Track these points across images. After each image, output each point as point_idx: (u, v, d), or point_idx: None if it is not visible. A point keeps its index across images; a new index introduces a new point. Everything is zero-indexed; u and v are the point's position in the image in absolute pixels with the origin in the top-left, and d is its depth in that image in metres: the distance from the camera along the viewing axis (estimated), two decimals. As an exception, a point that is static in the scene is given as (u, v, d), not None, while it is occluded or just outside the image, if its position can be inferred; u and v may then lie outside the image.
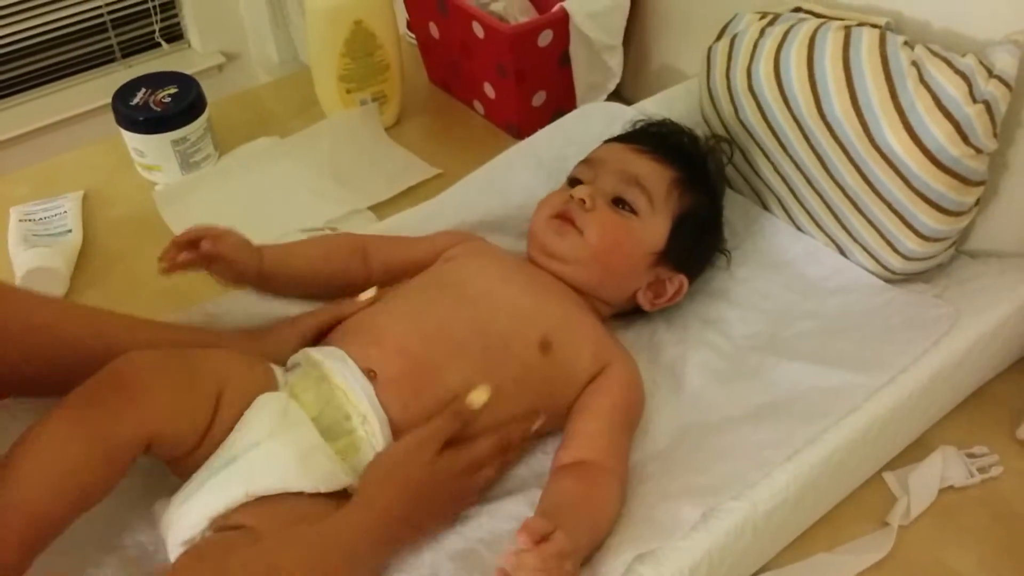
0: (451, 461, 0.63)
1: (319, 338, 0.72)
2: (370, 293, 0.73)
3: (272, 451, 0.60)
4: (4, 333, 0.60)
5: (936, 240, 0.77)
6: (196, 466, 0.60)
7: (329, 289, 0.76)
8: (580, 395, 0.70)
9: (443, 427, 0.63)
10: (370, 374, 0.65)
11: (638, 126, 0.85)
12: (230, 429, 0.61)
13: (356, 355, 0.66)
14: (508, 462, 0.68)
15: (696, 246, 0.79)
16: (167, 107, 1.00)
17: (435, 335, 0.68)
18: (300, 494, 0.59)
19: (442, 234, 0.81)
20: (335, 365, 0.65)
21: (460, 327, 0.68)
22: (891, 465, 0.74)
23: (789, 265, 0.83)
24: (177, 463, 0.61)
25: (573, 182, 0.79)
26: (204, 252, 0.69)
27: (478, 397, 0.65)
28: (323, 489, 0.60)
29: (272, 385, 0.65)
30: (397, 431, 0.64)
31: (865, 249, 0.80)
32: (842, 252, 0.83)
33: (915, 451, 0.75)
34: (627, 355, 0.74)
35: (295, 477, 0.59)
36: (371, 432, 0.63)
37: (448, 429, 0.63)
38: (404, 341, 0.67)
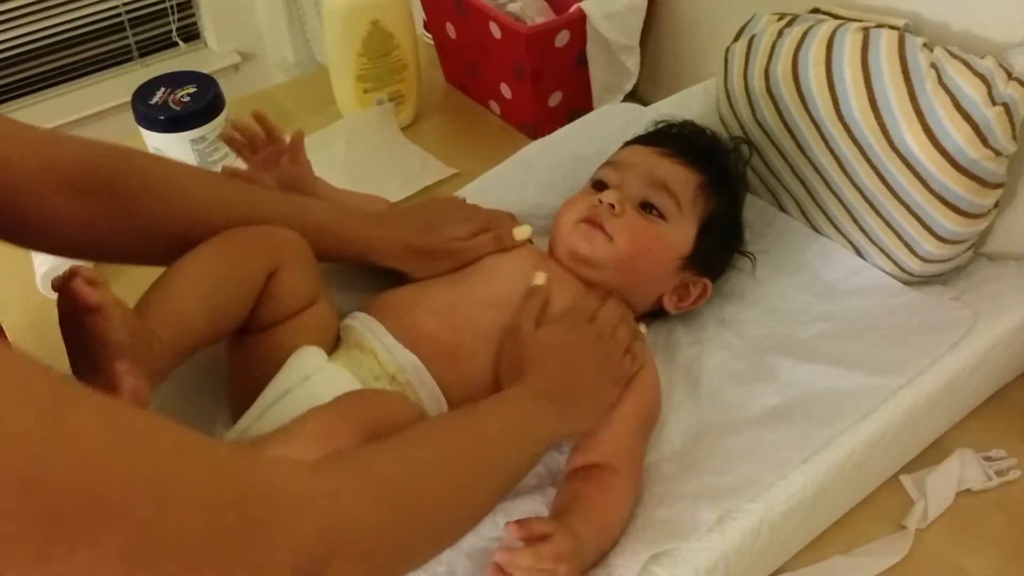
0: (556, 324, 0.68)
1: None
2: (527, 232, 0.77)
3: (326, 377, 0.62)
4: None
5: (954, 242, 0.76)
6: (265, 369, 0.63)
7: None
8: None
9: (527, 307, 0.69)
10: (410, 342, 0.67)
11: (660, 127, 0.84)
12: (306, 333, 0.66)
13: (392, 329, 0.68)
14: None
15: (720, 250, 0.79)
16: (186, 106, 1.01)
17: (464, 327, 0.70)
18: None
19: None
20: (369, 335, 0.68)
21: (486, 323, 0.70)
22: (908, 468, 0.74)
23: (806, 266, 0.83)
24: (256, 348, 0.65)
25: (599, 185, 0.78)
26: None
27: (539, 278, 0.72)
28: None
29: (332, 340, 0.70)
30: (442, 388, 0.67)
31: (883, 251, 0.80)
32: (859, 253, 0.83)
33: (932, 454, 0.75)
34: (652, 356, 0.74)
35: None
36: (402, 386, 0.66)
37: (532, 307, 0.69)
38: (436, 330, 0.69)
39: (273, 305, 0.65)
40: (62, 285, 0.54)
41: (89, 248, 0.66)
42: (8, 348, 0.31)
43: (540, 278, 0.72)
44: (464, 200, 0.82)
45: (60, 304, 0.54)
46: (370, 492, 0.46)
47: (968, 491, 0.72)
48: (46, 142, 0.61)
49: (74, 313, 0.53)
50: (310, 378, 0.62)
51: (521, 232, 0.76)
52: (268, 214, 0.69)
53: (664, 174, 0.76)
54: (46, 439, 0.29)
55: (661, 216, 0.75)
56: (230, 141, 0.80)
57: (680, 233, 0.76)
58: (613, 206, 0.74)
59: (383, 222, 0.75)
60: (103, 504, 0.30)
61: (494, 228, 0.76)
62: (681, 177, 0.76)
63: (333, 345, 0.70)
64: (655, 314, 0.79)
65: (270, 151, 0.80)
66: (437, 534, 0.52)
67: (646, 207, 0.76)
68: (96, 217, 0.63)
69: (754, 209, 0.88)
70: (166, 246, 0.65)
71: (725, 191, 0.79)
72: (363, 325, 0.69)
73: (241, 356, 0.67)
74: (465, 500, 0.53)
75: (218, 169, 1.04)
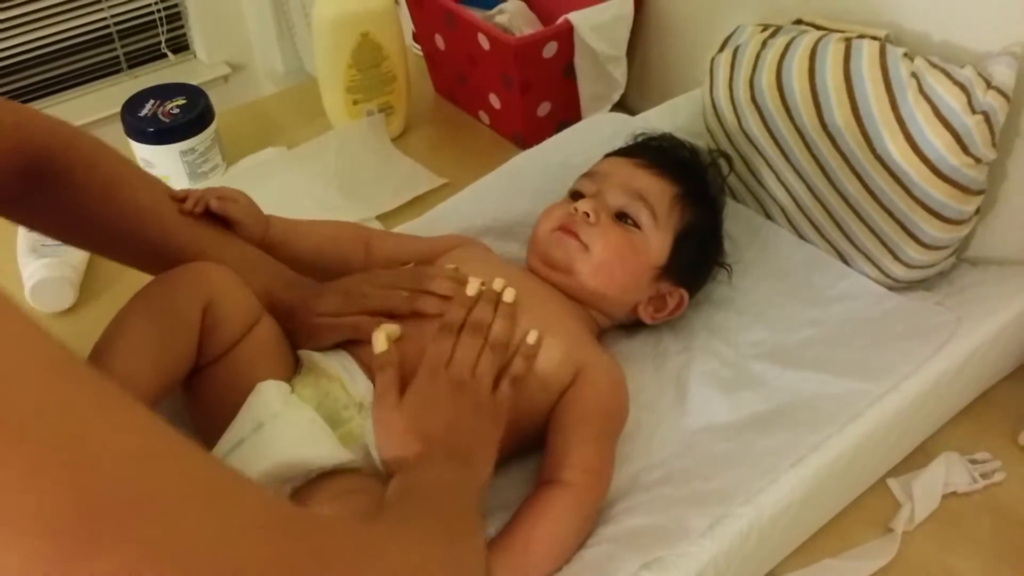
0: (416, 382, 0.62)
1: None
2: (394, 335, 0.67)
3: (281, 423, 0.60)
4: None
5: (937, 248, 0.78)
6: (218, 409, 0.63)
7: (327, 274, 0.76)
8: (556, 406, 0.69)
9: (379, 389, 0.63)
10: (371, 367, 0.65)
11: (639, 139, 0.85)
12: (248, 372, 0.64)
13: (356, 353, 0.67)
14: (493, 342, 0.66)
15: (697, 261, 0.79)
16: (175, 118, 1.01)
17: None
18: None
19: (444, 236, 0.82)
20: (333, 361, 0.66)
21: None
22: (895, 471, 0.75)
23: (792, 273, 0.84)
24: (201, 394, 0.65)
25: (575, 195, 0.79)
26: (212, 209, 0.72)
27: (378, 344, 0.64)
28: (339, 459, 0.61)
29: (286, 361, 0.68)
30: None
31: (867, 257, 0.81)
32: (845, 260, 0.84)
33: (918, 457, 0.76)
34: (604, 361, 0.72)
35: (310, 447, 0.60)
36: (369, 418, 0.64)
37: (384, 386, 0.63)
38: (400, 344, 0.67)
39: (219, 335, 0.64)
40: None
41: (29, 222, 0.69)
42: (63, 348, 0.31)
43: (380, 343, 0.64)
44: (404, 270, 0.75)
45: None
46: (417, 554, 0.45)
47: (954, 494, 0.73)
48: (17, 127, 0.64)
49: None
50: (263, 426, 0.60)
51: (380, 338, 0.65)
52: (197, 238, 0.70)
53: (640, 184, 0.77)
54: (99, 431, 0.29)
55: (636, 225, 0.76)
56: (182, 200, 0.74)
57: (655, 243, 0.76)
58: (588, 215, 0.75)
59: (288, 280, 0.73)
60: (150, 501, 0.29)
61: (374, 307, 0.68)
62: (657, 187, 0.77)
63: (290, 361, 0.68)
64: (643, 324, 0.80)
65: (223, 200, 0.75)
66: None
67: (621, 217, 0.76)
68: (37, 200, 0.65)
69: (741, 218, 0.89)
70: (100, 240, 0.69)
71: (702, 202, 0.79)
72: (325, 352, 0.67)
73: (200, 392, 0.66)
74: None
75: (208, 180, 1.05)
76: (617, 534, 0.63)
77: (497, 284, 0.70)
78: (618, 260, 0.75)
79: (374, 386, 0.64)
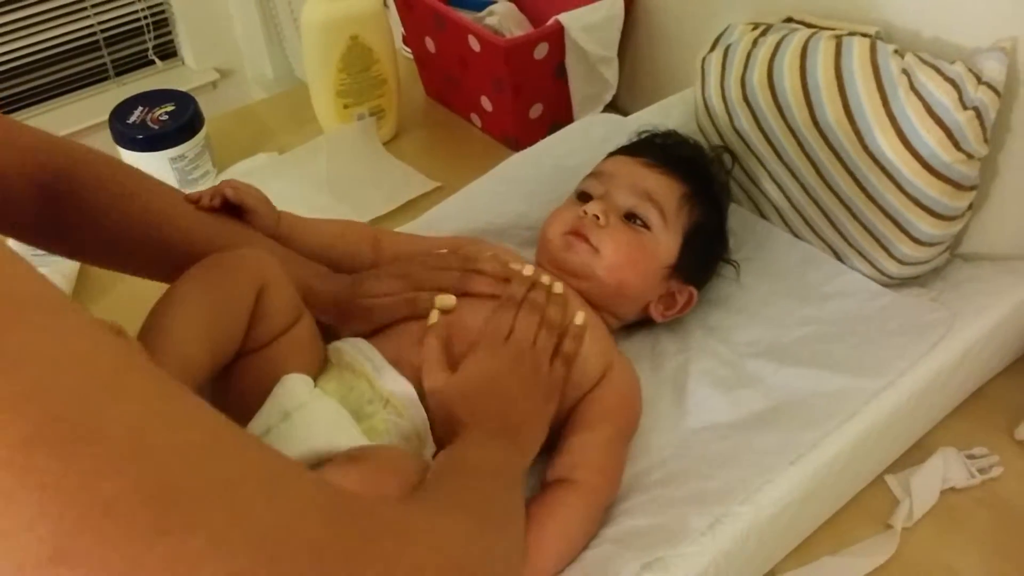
0: (478, 351, 0.65)
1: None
2: (450, 302, 0.69)
3: (308, 413, 0.60)
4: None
5: (931, 244, 0.78)
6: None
7: (336, 270, 0.77)
8: (579, 403, 0.70)
9: (426, 360, 0.65)
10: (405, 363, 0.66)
11: (643, 137, 0.85)
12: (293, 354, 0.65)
13: (384, 347, 0.67)
14: (548, 320, 0.67)
15: (705, 258, 0.80)
16: (164, 125, 1.01)
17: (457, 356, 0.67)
18: None
19: (452, 237, 0.82)
20: (359, 356, 0.66)
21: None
22: (892, 468, 0.75)
23: (787, 272, 0.84)
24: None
25: (584, 196, 0.78)
26: (228, 197, 0.72)
27: (431, 316, 0.67)
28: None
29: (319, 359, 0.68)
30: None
31: (862, 255, 0.81)
32: (839, 257, 0.84)
33: (916, 453, 0.76)
34: (625, 362, 0.74)
35: (339, 435, 0.60)
36: (398, 411, 0.63)
37: (430, 358, 0.65)
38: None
39: (264, 325, 0.64)
40: None
41: (48, 245, 0.68)
42: (125, 347, 0.32)
43: (432, 316, 0.67)
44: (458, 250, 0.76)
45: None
46: (467, 532, 0.45)
47: (952, 489, 0.73)
48: (36, 150, 0.64)
49: None
50: (291, 416, 0.60)
51: (444, 301, 0.68)
52: (220, 234, 0.70)
53: (648, 184, 0.77)
54: (163, 427, 0.30)
55: (646, 226, 0.76)
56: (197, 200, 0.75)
57: (665, 243, 0.76)
58: (598, 217, 0.74)
59: (321, 272, 0.73)
60: (215, 490, 0.30)
61: (427, 286, 0.70)
62: (665, 187, 0.77)
63: (320, 364, 0.68)
64: (640, 324, 0.80)
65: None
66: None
67: (631, 217, 0.76)
68: (56, 221, 0.65)
69: (735, 216, 0.89)
70: (121, 254, 0.68)
71: (709, 200, 0.79)
72: (353, 347, 0.67)
73: (228, 383, 0.65)
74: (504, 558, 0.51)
75: (199, 187, 1.04)
76: (618, 535, 0.63)
77: (545, 278, 0.71)
78: (629, 262, 0.75)
79: (424, 353, 0.65)
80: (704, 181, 0.80)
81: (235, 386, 0.65)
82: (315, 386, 0.65)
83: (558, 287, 0.71)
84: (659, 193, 0.76)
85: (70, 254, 0.72)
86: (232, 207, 0.73)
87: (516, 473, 0.60)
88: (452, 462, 0.58)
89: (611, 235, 0.74)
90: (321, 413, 0.62)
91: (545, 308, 0.68)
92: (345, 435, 0.61)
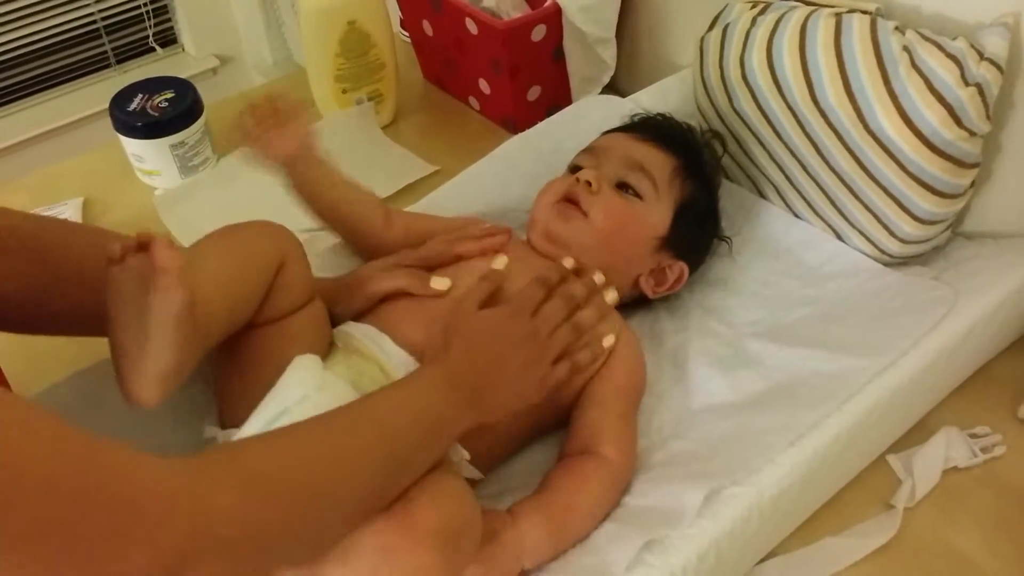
0: (496, 308, 0.65)
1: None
2: (443, 285, 0.71)
3: (324, 397, 0.60)
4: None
5: (932, 223, 0.77)
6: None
7: (344, 230, 0.80)
8: (591, 381, 0.70)
9: (475, 289, 0.67)
10: (411, 346, 0.66)
11: (637, 119, 0.85)
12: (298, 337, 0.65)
13: (392, 330, 0.67)
14: (577, 323, 0.67)
15: (697, 233, 0.79)
16: (164, 112, 1.01)
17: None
18: None
19: (460, 218, 0.82)
20: (368, 340, 0.66)
21: None
22: (895, 448, 0.75)
23: (788, 252, 0.84)
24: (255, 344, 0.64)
25: (575, 169, 0.79)
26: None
27: (499, 263, 0.70)
28: None
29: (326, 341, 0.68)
30: None
31: (862, 234, 0.81)
32: (840, 237, 0.83)
33: (918, 433, 0.76)
34: (631, 334, 0.74)
35: None
36: None
37: (480, 290, 0.67)
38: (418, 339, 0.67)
39: (281, 297, 0.64)
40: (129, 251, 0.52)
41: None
42: None
43: (500, 262, 0.70)
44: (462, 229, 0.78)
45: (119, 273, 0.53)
46: (247, 487, 0.45)
47: (954, 468, 0.73)
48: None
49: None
50: (308, 398, 0.60)
51: (438, 283, 0.71)
52: None
53: (641, 156, 0.77)
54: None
55: (638, 195, 0.76)
56: (243, 124, 0.77)
57: (656, 213, 0.76)
58: (590, 183, 0.75)
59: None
60: None
61: (422, 263, 0.73)
62: (658, 159, 0.77)
63: (327, 348, 0.69)
64: (639, 303, 0.80)
65: (274, 123, 0.77)
66: (324, 526, 0.50)
67: (623, 187, 0.76)
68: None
69: (734, 197, 0.89)
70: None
71: (701, 177, 0.79)
72: (361, 332, 0.68)
73: (236, 353, 0.65)
74: (358, 492, 0.51)
75: (200, 172, 1.04)
76: (620, 514, 0.64)
77: (598, 278, 0.71)
78: (620, 228, 0.75)
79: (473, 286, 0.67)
80: (696, 158, 0.80)
81: (242, 356, 0.65)
82: (326, 364, 0.65)
83: (610, 296, 0.72)
84: (652, 164, 0.77)
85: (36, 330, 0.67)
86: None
87: (446, 432, 0.58)
88: (397, 391, 0.58)
89: (602, 201, 0.75)
90: (338, 396, 0.61)
91: (579, 304, 0.68)
92: None
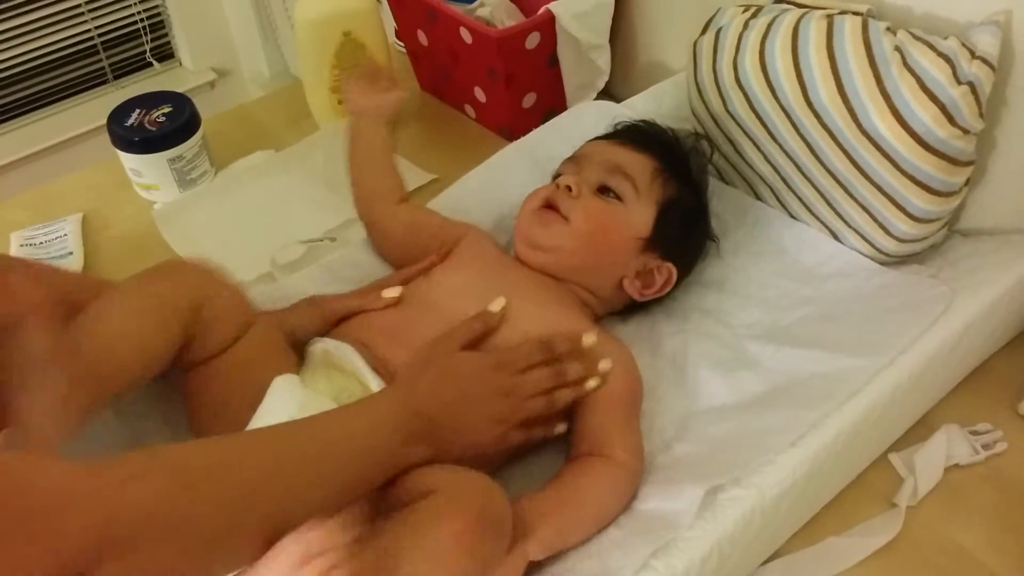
0: (483, 354, 0.66)
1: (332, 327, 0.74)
2: (394, 292, 0.74)
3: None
4: None
5: (928, 221, 0.77)
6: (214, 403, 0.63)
7: (360, 192, 0.86)
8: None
9: (464, 327, 0.68)
10: (383, 365, 0.67)
11: (620, 126, 0.86)
12: (247, 363, 0.65)
13: (367, 353, 0.68)
14: (554, 399, 0.66)
15: (682, 234, 0.80)
16: (162, 126, 1.01)
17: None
18: None
19: (457, 223, 0.83)
20: (347, 357, 0.66)
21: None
22: (896, 446, 0.75)
23: (785, 253, 0.84)
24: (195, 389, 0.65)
25: (558, 177, 0.80)
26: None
27: (496, 305, 0.70)
28: None
29: (286, 359, 0.68)
30: None
31: (859, 233, 0.81)
32: (836, 237, 0.84)
33: (919, 431, 0.76)
34: (618, 342, 0.74)
35: None
36: None
37: (469, 329, 0.68)
38: (386, 354, 0.68)
39: (214, 332, 0.65)
40: None
41: None
42: None
43: (497, 304, 0.70)
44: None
45: None
46: (175, 478, 0.45)
47: (956, 466, 0.73)
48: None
49: None
50: (292, 418, 0.60)
51: (389, 292, 0.74)
52: None
53: (621, 160, 0.78)
54: None
55: (618, 198, 0.77)
56: (357, 68, 0.91)
57: (638, 214, 0.77)
58: (570, 188, 0.76)
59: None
60: None
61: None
62: (638, 162, 0.78)
63: (293, 366, 0.68)
64: (635, 307, 0.80)
65: (375, 84, 0.89)
66: (253, 530, 0.48)
67: (604, 191, 0.77)
68: None
69: (730, 199, 0.89)
70: None
71: (685, 178, 0.80)
72: (340, 349, 0.68)
73: (197, 387, 0.66)
74: (290, 502, 0.50)
75: (197, 186, 1.04)
76: (623, 518, 0.64)
77: (588, 340, 0.70)
78: (600, 231, 0.76)
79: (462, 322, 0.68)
80: (679, 160, 0.80)
81: (200, 394, 0.65)
82: (304, 380, 0.65)
83: (605, 364, 0.69)
84: (631, 166, 0.77)
85: None
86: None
87: (396, 458, 0.57)
88: (318, 420, 0.56)
89: (582, 205, 0.75)
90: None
91: (567, 384, 0.67)
92: None
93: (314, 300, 0.76)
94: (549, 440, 0.69)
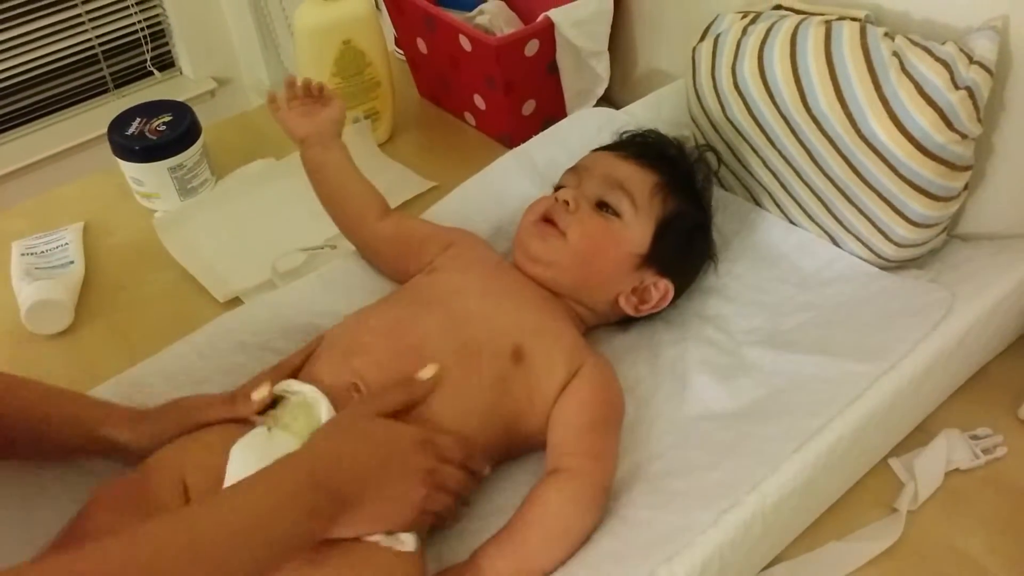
0: (403, 425, 0.61)
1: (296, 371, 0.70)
2: (263, 392, 0.66)
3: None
4: None
5: (927, 226, 0.78)
6: None
7: (341, 216, 0.84)
8: (553, 406, 0.70)
9: (389, 393, 0.64)
10: (354, 387, 0.66)
11: (624, 137, 0.86)
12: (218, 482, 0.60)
13: (340, 369, 0.67)
14: (461, 490, 0.63)
15: (681, 251, 0.79)
16: (162, 135, 1.01)
17: (409, 352, 0.68)
18: None
19: (448, 228, 0.83)
20: (320, 398, 0.64)
21: (434, 342, 0.69)
22: (896, 451, 0.75)
23: (784, 258, 0.84)
24: None
25: (559, 189, 0.80)
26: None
27: (426, 372, 0.66)
28: None
29: (230, 438, 0.63)
30: None
31: (858, 238, 0.81)
32: (835, 243, 0.84)
33: (919, 436, 0.76)
34: (598, 357, 0.73)
35: None
36: None
37: (394, 397, 0.63)
38: (382, 356, 0.68)
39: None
40: None
41: None
42: None
43: (428, 371, 0.66)
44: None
45: None
46: None
47: (957, 470, 0.73)
48: None
49: None
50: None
51: (258, 394, 0.66)
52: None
53: (620, 174, 0.78)
54: None
55: (616, 214, 0.76)
56: (288, 85, 0.88)
57: (636, 231, 0.76)
58: (568, 203, 0.75)
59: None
60: None
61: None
62: (637, 176, 0.78)
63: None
64: (636, 318, 0.80)
65: (311, 103, 0.88)
66: None
67: (603, 206, 0.77)
68: None
69: (730, 205, 0.89)
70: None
71: (686, 193, 0.79)
72: (312, 395, 0.65)
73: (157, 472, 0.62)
74: None
75: (198, 194, 1.05)
76: (622, 529, 0.63)
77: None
78: (596, 247, 0.75)
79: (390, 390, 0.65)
80: (682, 174, 0.80)
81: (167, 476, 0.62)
82: (277, 426, 0.63)
83: (487, 469, 0.66)
84: (631, 182, 0.77)
85: None
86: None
87: (297, 534, 0.52)
88: (212, 506, 0.51)
89: (579, 220, 0.75)
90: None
91: (455, 492, 0.62)
92: None
93: (179, 404, 0.68)
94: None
